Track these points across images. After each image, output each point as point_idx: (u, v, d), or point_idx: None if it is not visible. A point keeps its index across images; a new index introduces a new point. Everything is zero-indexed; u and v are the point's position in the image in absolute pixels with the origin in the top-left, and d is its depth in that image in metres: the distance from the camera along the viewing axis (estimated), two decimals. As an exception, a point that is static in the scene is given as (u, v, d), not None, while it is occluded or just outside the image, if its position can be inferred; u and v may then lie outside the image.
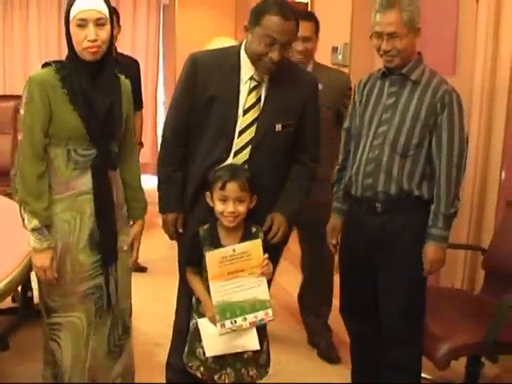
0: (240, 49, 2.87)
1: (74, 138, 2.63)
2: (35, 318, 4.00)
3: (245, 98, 2.83)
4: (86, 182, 2.67)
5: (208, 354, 2.69)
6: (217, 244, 2.69)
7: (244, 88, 2.83)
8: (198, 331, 2.71)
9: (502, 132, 3.67)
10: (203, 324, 2.70)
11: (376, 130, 2.89)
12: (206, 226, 2.74)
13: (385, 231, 2.89)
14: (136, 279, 3.11)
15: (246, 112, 2.82)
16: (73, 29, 2.57)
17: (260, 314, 2.67)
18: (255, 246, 2.66)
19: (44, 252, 2.64)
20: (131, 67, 4.80)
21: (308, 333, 4.03)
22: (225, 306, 2.65)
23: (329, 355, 3.83)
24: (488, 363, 3.13)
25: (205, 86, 2.83)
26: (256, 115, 2.82)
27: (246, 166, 2.78)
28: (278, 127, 2.84)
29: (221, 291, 2.65)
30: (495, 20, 3.64)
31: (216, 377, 2.70)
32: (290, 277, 4.46)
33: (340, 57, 5.20)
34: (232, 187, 2.64)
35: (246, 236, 2.72)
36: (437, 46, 4.02)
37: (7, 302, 3.96)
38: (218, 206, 2.67)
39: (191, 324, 2.80)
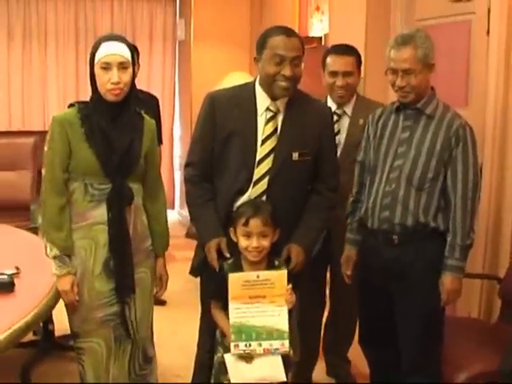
0: (254, 83, 2.98)
1: (90, 174, 2.80)
2: (56, 350, 4.10)
3: (262, 129, 2.91)
4: (100, 213, 2.83)
5: None
6: None
7: (261, 119, 2.92)
8: (224, 365, 2.74)
9: (516, 162, 3.71)
10: (229, 358, 2.72)
11: (392, 163, 2.96)
12: (230, 261, 2.80)
13: (401, 261, 2.95)
14: (155, 312, 3.18)
15: (263, 142, 2.90)
16: (97, 71, 2.75)
17: (276, 343, 2.69)
18: (280, 276, 2.70)
19: (64, 277, 2.82)
20: (151, 104, 4.91)
21: (327, 365, 4.02)
22: (241, 327, 2.68)
23: None
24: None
25: (224, 122, 2.93)
26: (273, 145, 2.90)
27: (265, 197, 2.85)
28: (295, 156, 2.91)
29: (239, 313, 2.68)
30: (506, 52, 3.70)
31: None
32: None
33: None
34: (255, 223, 2.71)
35: (270, 269, 2.77)
36: (449, 78, 4.08)
37: (28, 336, 4.00)
38: (243, 242, 2.73)
39: (216, 358, 2.84)
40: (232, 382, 2.71)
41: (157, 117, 4.94)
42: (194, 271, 3.13)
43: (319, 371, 4.02)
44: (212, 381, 2.84)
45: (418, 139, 2.93)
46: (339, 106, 3.54)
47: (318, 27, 6.10)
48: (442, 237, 2.92)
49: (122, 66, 2.74)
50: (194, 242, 3.30)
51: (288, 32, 2.83)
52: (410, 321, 2.98)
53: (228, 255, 2.85)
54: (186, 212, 7.51)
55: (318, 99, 3.22)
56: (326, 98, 3.59)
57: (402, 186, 2.92)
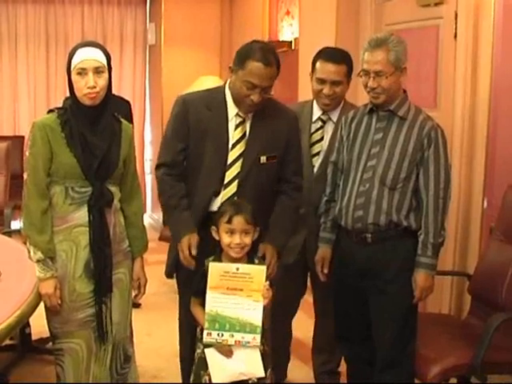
0: (225, 88, 3.05)
1: (71, 177, 2.85)
2: (34, 354, 4.11)
3: (232, 134, 3.00)
4: (81, 215, 2.88)
5: (215, 382, 2.77)
6: None
7: (231, 124, 3.01)
8: (204, 360, 2.80)
9: (483, 162, 3.80)
10: (210, 353, 2.79)
11: (365, 164, 3.04)
12: (211, 259, 2.86)
13: (374, 260, 3.03)
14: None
15: (233, 147, 2.99)
16: (74, 77, 2.81)
17: (248, 337, 2.74)
18: (259, 271, 2.76)
19: (48, 281, 2.86)
20: (122, 107, 4.92)
21: (315, 374, 3.89)
22: (216, 316, 2.74)
23: None
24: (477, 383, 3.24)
25: (197, 123, 3.00)
26: (242, 150, 2.99)
27: (235, 198, 2.94)
28: (263, 159, 3.00)
29: (216, 302, 2.74)
30: (473, 55, 3.79)
31: None
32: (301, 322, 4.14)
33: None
34: (238, 220, 2.78)
35: None
36: (418, 81, 4.17)
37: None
38: (225, 239, 2.79)
39: (196, 354, 2.89)
40: (212, 376, 2.77)
41: (129, 120, 4.95)
42: (168, 272, 3.20)
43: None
44: (192, 376, 2.89)
45: (390, 140, 3.01)
46: (325, 111, 3.47)
47: (288, 31, 6.18)
48: (414, 236, 3.01)
49: (97, 70, 2.79)
50: (166, 245, 3.33)
51: (267, 60, 2.85)
52: (384, 318, 3.06)
53: (194, 252, 2.91)
54: (158, 215, 7.56)
55: (283, 105, 3.24)
56: (312, 101, 3.51)
57: (376, 185, 3.00)
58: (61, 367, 2.98)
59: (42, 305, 3.00)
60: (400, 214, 2.98)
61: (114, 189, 2.96)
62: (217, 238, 2.85)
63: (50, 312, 2.94)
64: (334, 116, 3.46)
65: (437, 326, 3.39)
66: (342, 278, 3.18)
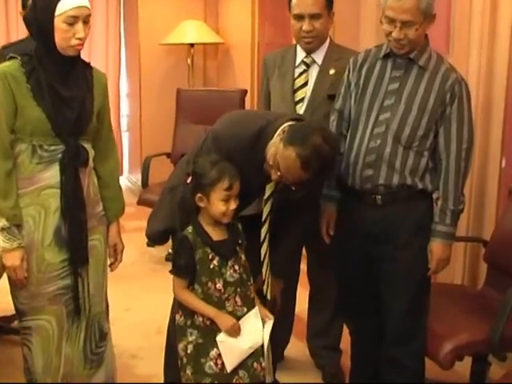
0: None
1: (39, 134, 2.76)
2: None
3: None
4: (51, 175, 2.81)
5: (230, 369, 2.76)
6: (210, 242, 2.77)
7: None
8: (203, 346, 2.77)
9: (502, 116, 3.75)
10: (222, 342, 2.76)
11: (377, 116, 2.96)
12: (190, 229, 2.81)
13: (385, 224, 2.98)
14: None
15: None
16: (59, 24, 2.69)
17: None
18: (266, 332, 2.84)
19: (14, 251, 2.77)
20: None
21: (312, 354, 3.92)
22: None
23: (333, 379, 3.74)
24: (495, 362, 3.23)
25: None
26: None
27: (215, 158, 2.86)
28: None
29: None
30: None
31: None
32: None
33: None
34: (237, 185, 2.76)
35: (231, 229, 2.85)
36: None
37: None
38: (221, 207, 2.75)
39: (181, 345, 2.83)
40: (227, 364, 2.75)
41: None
42: (155, 239, 3.23)
43: (304, 361, 3.98)
44: (189, 370, 2.81)
45: (408, 92, 2.92)
46: (308, 53, 3.45)
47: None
48: (429, 197, 2.96)
49: (87, 19, 2.72)
50: (146, 210, 3.28)
51: None
52: (394, 288, 3.02)
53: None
54: (136, 177, 7.50)
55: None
56: (296, 46, 3.51)
57: (389, 142, 2.92)
58: (28, 348, 2.93)
59: (5, 277, 2.95)
60: (415, 176, 2.93)
61: (87, 146, 2.90)
62: (202, 205, 2.79)
63: (16, 286, 2.87)
64: (319, 58, 3.46)
65: (449, 298, 3.38)
66: (346, 242, 3.12)
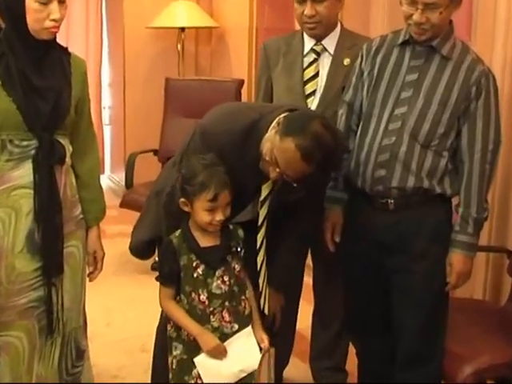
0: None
1: (8, 128, 2.73)
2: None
3: None
4: (22, 174, 2.78)
5: None
6: (196, 249, 2.75)
7: None
8: (187, 362, 2.77)
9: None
10: (201, 362, 2.76)
11: (392, 110, 2.95)
12: (177, 233, 2.80)
13: (398, 231, 2.97)
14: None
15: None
16: (31, 4, 2.66)
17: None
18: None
19: None
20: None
21: (315, 376, 3.88)
22: None
23: None
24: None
25: None
26: None
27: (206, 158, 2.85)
28: None
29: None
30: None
31: None
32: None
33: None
34: (224, 196, 2.73)
35: (226, 234, 2.82)
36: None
37: None
38: (205, 217, 2.73)
39: (171, 358, 2.83)
40: None
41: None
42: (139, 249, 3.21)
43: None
44: None
45: (428, 84, 2.91)
46: (318, 41, 3.42)
47: None
48: (447, 202, 2.96)
49: None
50: (130, 213, 3.25)
51: None
52: (409, 303, 3.01)
53: None
54: (119, 177, 7.48)
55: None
56: (302, 32, 3.47)
57: (405, 140, 2.91)
58: None
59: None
60: (433, 178, 2.92)
61: (64, 142, 2.88)
62: (186, 210, 2.79)
63: None
64: (330, 46, 3.44)
65: (468, 315, 3.38)
66: (353, 250, 3.12)
